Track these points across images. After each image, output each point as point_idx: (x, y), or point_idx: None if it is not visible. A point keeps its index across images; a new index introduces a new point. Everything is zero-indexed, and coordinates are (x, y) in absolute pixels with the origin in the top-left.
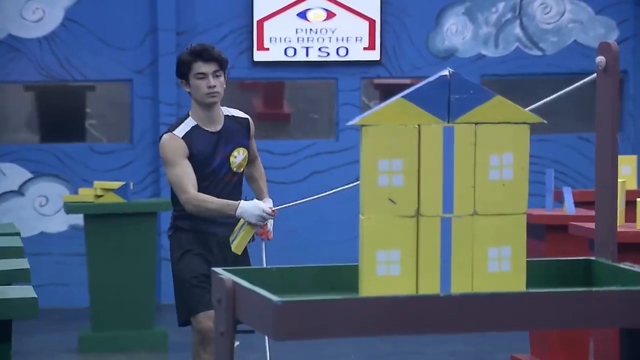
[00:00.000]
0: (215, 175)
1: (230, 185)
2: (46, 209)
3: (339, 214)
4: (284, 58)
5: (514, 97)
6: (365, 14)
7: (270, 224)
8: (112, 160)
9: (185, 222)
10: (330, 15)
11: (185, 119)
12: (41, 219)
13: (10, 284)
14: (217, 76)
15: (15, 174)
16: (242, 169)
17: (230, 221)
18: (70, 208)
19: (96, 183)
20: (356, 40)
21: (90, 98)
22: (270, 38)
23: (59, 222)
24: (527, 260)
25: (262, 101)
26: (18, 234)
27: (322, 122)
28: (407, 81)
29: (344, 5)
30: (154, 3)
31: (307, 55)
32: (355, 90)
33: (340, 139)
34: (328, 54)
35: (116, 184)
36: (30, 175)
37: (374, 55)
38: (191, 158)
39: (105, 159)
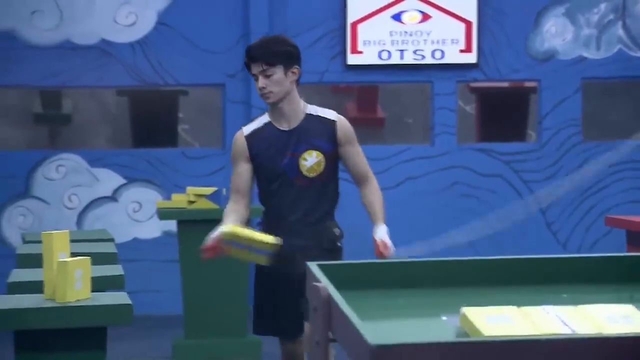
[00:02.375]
0: (285, 177)
1: (305, 191)
2: (139, 214)
3: (434, 219)
4: (378, 61)
5: (615, 100)
6: (462, 16)
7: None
8: (204, 166)
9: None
10: (425, 17)
11: (264, 114)
12: (134, 224)
13: (104, 291)
14: (267, 75)
15: (108, 180)
16: (316, 174)
17: (309, 230)
18: (163, 214)
19: (189, 189)
20: (452, 42)
21: (182, 102)
22: (364, 41)
23: (152, 228)
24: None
25: (355, 105)
26: (112, 240)
27: (417, 127)
28: (505, 84)
29: (440, 7)
30: (247, 6)
31: (401, 58)
32: (451, 94)
33: (436, 144)
34: (423, 57)
35: (209, 190)
36: (123, 181)
37: (471, 57)
38: (254, 158)
39: (197, 164)
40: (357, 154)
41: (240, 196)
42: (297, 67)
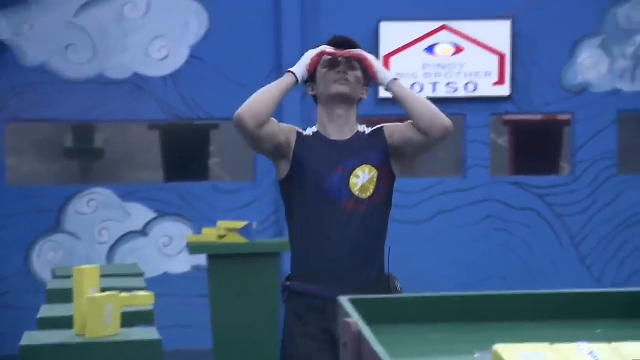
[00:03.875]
0: (331, 199)
1: (356, 218)
2: (170, 249)
3: (467, 253)
4: None
5: None
6: (495, 48)
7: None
8: (235, 200)
9: (297, 281)
10: (458, 49)
11: (311, 127)
12: (165, 259)
13: (134, 326)
14: (352, 67)
15: (139, 214)
16: (369, 195)
17: (363, 279)
18: (193, 248)
19: (220, 223)
20: (485, 75)
21: (214, 136)
22: (397, 74)
23: (183, 263)
24: None
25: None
26: (142, 274)
27: (449, 160)
28: (538, 117)
29: (473, 39)
30: (279, 39)
31: (434, 91)
32: (484, 126)
33: (468, 177)
34: (456, 89)
35: (239, 224)
36: (154, 215)
37: (504, 90)
38: (295, 163)
39: (228, 198)
40: (407, 127)
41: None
42: (368, 88)
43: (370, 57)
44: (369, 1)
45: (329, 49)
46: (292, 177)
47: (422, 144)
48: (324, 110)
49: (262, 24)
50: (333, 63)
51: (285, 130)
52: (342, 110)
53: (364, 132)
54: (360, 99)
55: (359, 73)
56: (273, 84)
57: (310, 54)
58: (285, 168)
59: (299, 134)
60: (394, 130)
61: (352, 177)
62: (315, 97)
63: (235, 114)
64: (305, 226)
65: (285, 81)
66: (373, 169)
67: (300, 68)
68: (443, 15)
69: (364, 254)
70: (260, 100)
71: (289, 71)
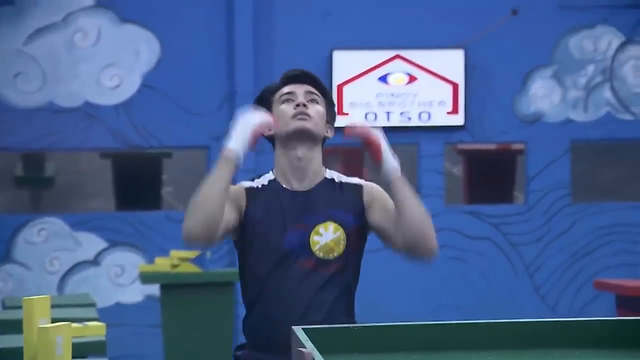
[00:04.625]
0: (287, 259)
1: (316, 280)
2: (122, 278)
3: (422, 283)
4: (364, 123)
5: (605, 163)
6: (448, 78)
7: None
8: None
9: (248, 350)
10: (412, 79)
11: (265, 174)
12: (117, 289)
13: (86, 357)
14: (312, 100)
15: (91, 243)
16: (333, 258)
17: None
18: (146, 278)
19: (173, 252)
20: (439, 104)
21: (166, 165)
22: (351, 103)
23: (135, 292)
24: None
25: (341, 168)
26: (94, 304)
27: None
28: (492, 146)
29: (426, 69)
30: (232, 67)
31: (388, 119)
32: (438, 155)
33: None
34: (410, 118)
35: (193, 253)
36: (105, 245)
37: (458, 119)
38: (247, 224)
39: (181, 227)
40: (389, 205)
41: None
42: (333, 127)
43: (381, 140)
44: (322, 30)
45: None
46: (244, 237)
47: (395, 246)
48: (282, 153)
49: (214, 51)
50: (290, 96)
51: (233, 203)
52: (303, 150)
53: (335, 181)
54: (324, 139)
55: (321, 108)
56: (213, 177)
57: (249, 122)
58: (236, 230)
59: (249, 191)
60: (375, 201)
61: (313, 234)
62: (271, 140)
63: (184, 231)
64: (258, 289)
65: (226, 169)
66: (339, 228)
67: (238, 143)
68: (396, 44)
69: (325, 319)
70: (206, 208)
71: (226, 150)
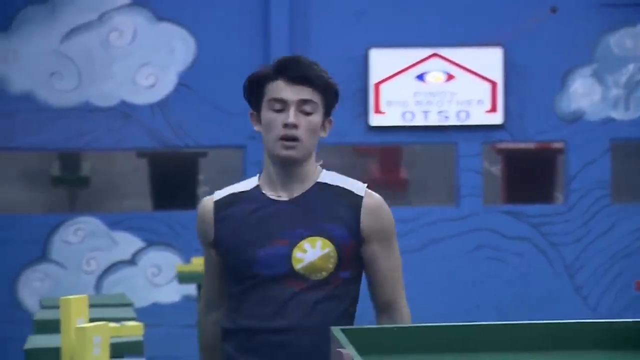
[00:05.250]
0: (261, 279)
1: (303, 304)
2: (159, 278)
3: (459, 283)
4: (401, 122)
5: None
6: (487, 76)
7: None
8: None
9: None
10: (449, 77)
11: (249, 179)
12: (154, 288)
13: (123, 357)
14: (306, 113)
15: (127, 243)
16: (324, 277)
17: None
18: (183, 278)
19: None
20: (477, 103)
21: (202, 164)
22: (388, 101)
23: (172, 292)
24: None
25: (378, 167)
26: (131, 304)
27: (441, 189)
28: (531, 145)
29: (465, 67)
30: None
31: (425, 119)
32: (477, 155)
33: (461, 206)
34: (447, 117)
35: None
36: (142, 244)
37: (496, 118)
38: (219, 242)
39: None
40: (385, 260)
41: (211, 305)
42: (331, 119)
43: None
44: (358, 28)
45: None
46: (222, 251)
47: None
48: (267, 155)
49: (250, 50)
50: (281, 105)
51: (208, 241)
52: (291, 168)
53: (332, 183)
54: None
55: (316, 118)
56: None
57: None
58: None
59: (219, 205)
60: (374, 234)
61: (295, 249)
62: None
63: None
64: (234, 308)
65: None
66: (329, 244)
67: None
68: (433, 42)
69: (309, 353)
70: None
71: None
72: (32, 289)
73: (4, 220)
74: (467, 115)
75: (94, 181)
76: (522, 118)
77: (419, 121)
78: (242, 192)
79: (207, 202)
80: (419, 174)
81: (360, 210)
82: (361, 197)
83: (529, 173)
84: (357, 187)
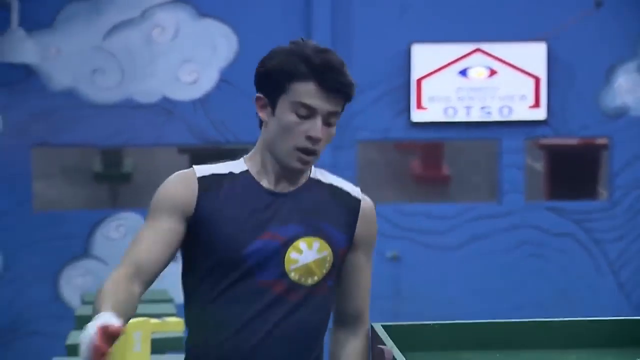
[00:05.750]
0: (248, 276)
1: (284, 309)
2: None
3: (501, 281)
4: (443, 118)
5: None
6: (530, 72)
7: None
8: None
9: None
10: (492, 72)
11: (233, 161)
12: None
13: (164, 353)
14: (330, 124)
15: None
16: (314, 282)
17: None
18: None
19: None
20: (520, 98)
21: None
22: (430, 97)
23: None
24: None
25: (420, 162)
26: (171, 300)
27: (484, 185)
28: (575, 141)
29: (507, 62)
30: None
31: (467, 114)
32: (520, 151)
33: (503, 203)
34: (490, 113)
35: None
36: None
37: (540, 114)
38: (199, 222)
39: None
40: (366, 271)
41: (140, 272)
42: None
43: None
44: (400, 24)
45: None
46: (192, 240)
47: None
48: (265, 149)
49: None
50: (309, 113)
51: (180, 212)
52: (296, 173)
53: (324, 182)
54: None
55: (334, 129)
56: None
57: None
58: (184, 235)
59: (204, 181)
60: (363, 242)
61: (290, 249)
62: (262, 122)
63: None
64: (209, 308)
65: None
66: (327, 247)
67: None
68: (476, 37)
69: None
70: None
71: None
72: (74, 284)
73: (46, 216)
74: (510, 110)
75: (135, 177)
76: (565, 114)
77: (461, 117)
78: (229, 173)
79: (189, 172)
80: (461, 170)
81: (358, 215)
82: (359, 201)
83: (572, 169)
84: (353, 188)
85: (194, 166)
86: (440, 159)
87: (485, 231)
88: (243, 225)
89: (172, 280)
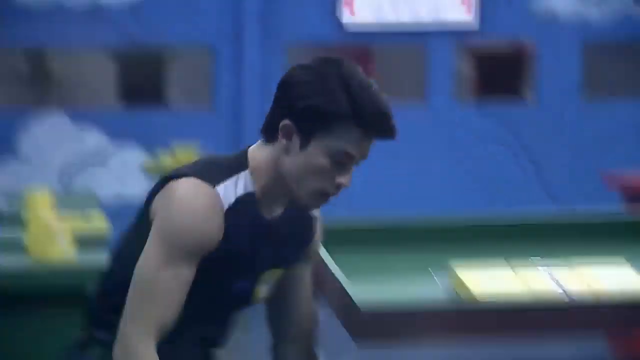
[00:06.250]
0: (230, 303)
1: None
2: (126, 175)
3: (429, 183)
4: (373, 22)
5: (619, 65)
6: None
7: None
8: (193, 127)
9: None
10: None
11: (239, 170)
12: (121, 185)
13: (87, 250)
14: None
15: (94, 140)
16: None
17: None
18: (151, 173)
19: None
20: (450, 2)
21: (173, 63)
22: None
23: (139, 189)
24: None
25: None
26: (96, 199)
27: (412, 87)
28: (504, 45)
29: None
30: None
31: (397, 18)
32: (449, 54)
33: (432, 105)
34: (419, 17)
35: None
36: (109, 142)
37: (469, 18)
38: (215, 259)
39: (185, 124)
40: (309, 281)
41: (164, 331)
42: None
43: None
44: None
45: None
46: (211, 272)
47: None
48: (281, 179)
49: None
50: (346, 160)
51: (200, 252)
52: (301, 207)
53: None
54: None
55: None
56: None
57: None
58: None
59: (227, 216)
60: (315, 247)
61: (260, 284)
62: (286, 148)
63: (121, 334)
64: (197, 317)
65: None
66: (280, 272)
67: None
68: None
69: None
70: None
71: None
72: None
73: None
74: (439, 14)
75: (62, 79)
76: (494, 17)
77: (389, 17)
78: (240, 199)
79: (215, 200)
80: (390, 74)
81: (312, 230)
82: (314, 218)
83: (500, 72)
84: (313, 216)
85: (216, 187)
86: (370, 64)
87: (414, 133)
88: (248, 260)
89: (97, 181)
